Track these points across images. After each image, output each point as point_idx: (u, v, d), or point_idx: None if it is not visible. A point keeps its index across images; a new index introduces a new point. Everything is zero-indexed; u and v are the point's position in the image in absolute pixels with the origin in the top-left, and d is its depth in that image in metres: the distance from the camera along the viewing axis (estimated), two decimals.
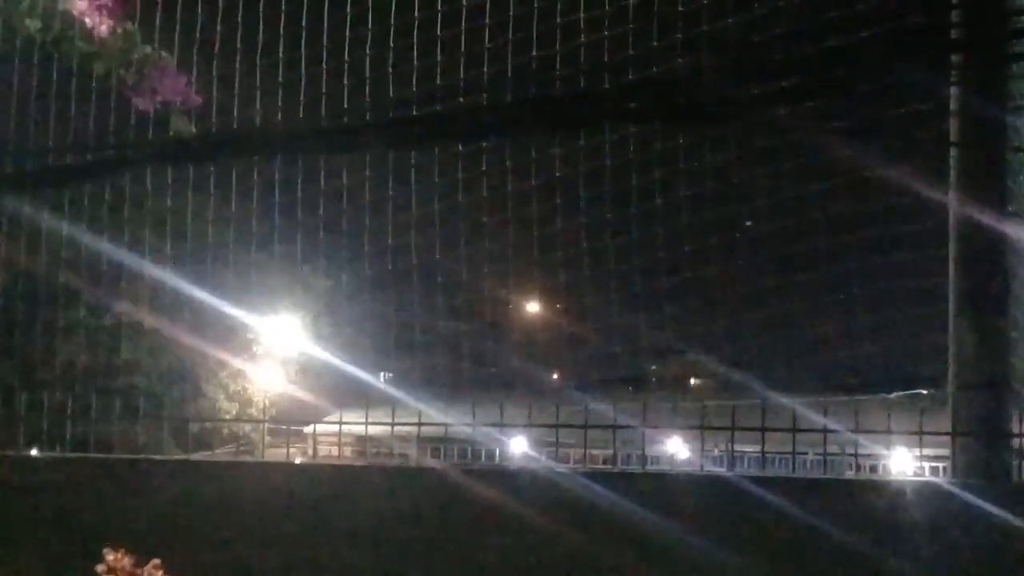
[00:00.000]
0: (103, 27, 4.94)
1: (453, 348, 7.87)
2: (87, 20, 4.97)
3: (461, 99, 6.57)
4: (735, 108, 5.13)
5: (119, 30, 5.01)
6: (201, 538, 6.15)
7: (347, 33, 6.81)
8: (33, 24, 5.17)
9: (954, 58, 5.29)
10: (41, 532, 6.36)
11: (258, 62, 6.88)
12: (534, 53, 6.54)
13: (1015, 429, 5.56)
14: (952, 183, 5.62)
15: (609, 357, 7.81)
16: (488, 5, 6.66)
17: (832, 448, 6.03)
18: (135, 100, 5.16)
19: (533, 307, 9.87)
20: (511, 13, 6.63)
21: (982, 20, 5.13)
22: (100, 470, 6.50)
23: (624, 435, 6.26)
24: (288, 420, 9.22)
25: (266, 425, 7.89)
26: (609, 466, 6.69)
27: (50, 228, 7.27)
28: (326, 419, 8.54)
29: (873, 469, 9.40)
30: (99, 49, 5.07)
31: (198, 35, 6.83)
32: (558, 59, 6.50)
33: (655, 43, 6.34)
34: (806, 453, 6.14)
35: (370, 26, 6.80)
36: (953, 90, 5.51)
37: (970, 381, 5.59)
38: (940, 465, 6.92)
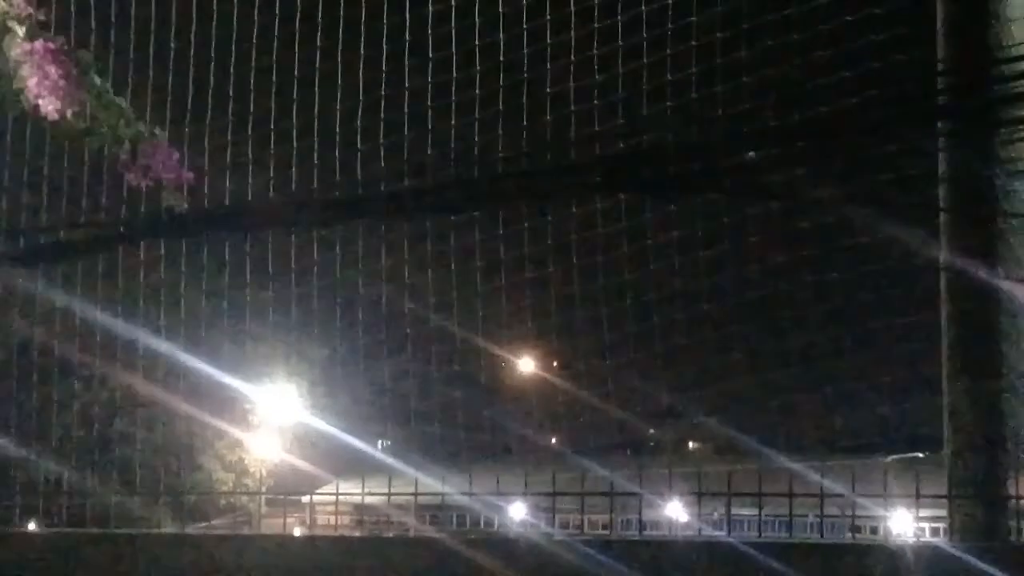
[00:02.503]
0: (50, 107, 4.96)
1: (450, 415, 7.87)
2: (35, 98, 4.98)
3: (453, 170, 6.62)
4: (725, 176, 5.17)
5: (69, 114, 5.01)
6: None
7: (338, 107, 6.87)
8: (27, 102, 5.19)
9: (942, 124, 5.33)
10: None
11: (251, 135, 6.94)
12: (524, 124, 6.61)
13: (1012, 491, 5.56)
14: (943, 247, 5.65)
15: (607, 422, 7.81)
16: (477, 78, 6.73)
17: (833, 510, 6.02)
18: (127, 177, 5.19)
19: (530, 374, 9.88)
20: (500, 85, 6.70)
21: (969, 87, 5.18)
22: (96, 545, 6.48)
23: (622, 500, 6.26)
24: (285, 490, 9.23)
25: (263, 496, 7.89)
26: (607, 532, 6.68)
27: (45, 302, 7.29)
28: (323, 489, 8.55)
29: (874, 531, 9.38)
30: (92, 126, 5.10)
31: (189, 110, 6.89)
32: (548, 130, 6.56)
33: (644, 112, 6.40)
34: (806, 516, 6.13)
35: (361, 100, 6.86)
36: (941, 156, 5.55)
37: (966, 443, 5.60)
38: (940, 526, 6.90)
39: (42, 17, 5.12)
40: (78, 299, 7.24)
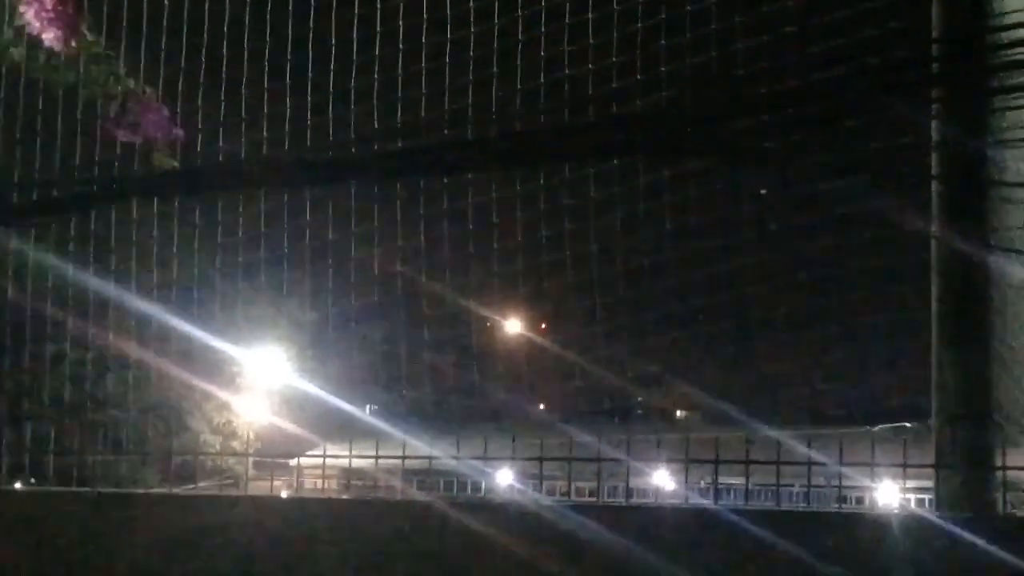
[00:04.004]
0: (51, 34, 4.96)
1: (439, 380, 7.87)
2: (37, 32, 4.99)
3: (446, 131, 6.60)
4: (718, 142, 5.16)
5: (73, 42, 5.02)
6: (185, 573, 6.13)
7: (331, 65, 6.84)
8: (19, 53, 5.18)
9: (935, 92, 5.31)
10: (23, 567, 6.34)
11: (242, 93, 6.91)
12: (518, 86, 6.59)
13: (998, 462, 5.57)
14: (934, 217, 5.65)
15: (595, 388, 7.81)
16: (472, 39, 6.70)
17: (819, 480, 6.04)
18: (117, 133, 5.17)
19: (519, 339, 9.87)
20: (495, 46, 6.67)
21: (963, 55, 5.17)
22: (83, 504, 6.48)
23: (610, 467, 6.27)
24: (273, 453, 9.21)
25: (250, 458, 7.89)
26: (594, 498, 6.69)
27: (34, 261, 7.27)
28: (311, 452, 8.55)
29: (860, 501, 9.40)
30: (82, 81, 5.10)
31: (182, 66, 6.85)
32: (542, 93, 6.54)
33: (639, 77, 6.38)
34: (792, 485, 6.15)
35: (355, 58, 6.83)
36: (934, 124, 5.54)
37: (953, 414, 5.60)
38: (926, 497, 6.92)
39: None
40: (67, 258, 7.21)
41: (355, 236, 7.02)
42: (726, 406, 7.88)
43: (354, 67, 6.81)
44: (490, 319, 8.31)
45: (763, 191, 6.54)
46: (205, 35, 6.92)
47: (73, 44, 4.95)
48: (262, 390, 16.76)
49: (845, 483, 6.07)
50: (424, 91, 6.73)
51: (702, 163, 6.27)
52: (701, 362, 7.64)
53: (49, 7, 4.86)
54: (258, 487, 7.71)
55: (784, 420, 7.26)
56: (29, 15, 4.89)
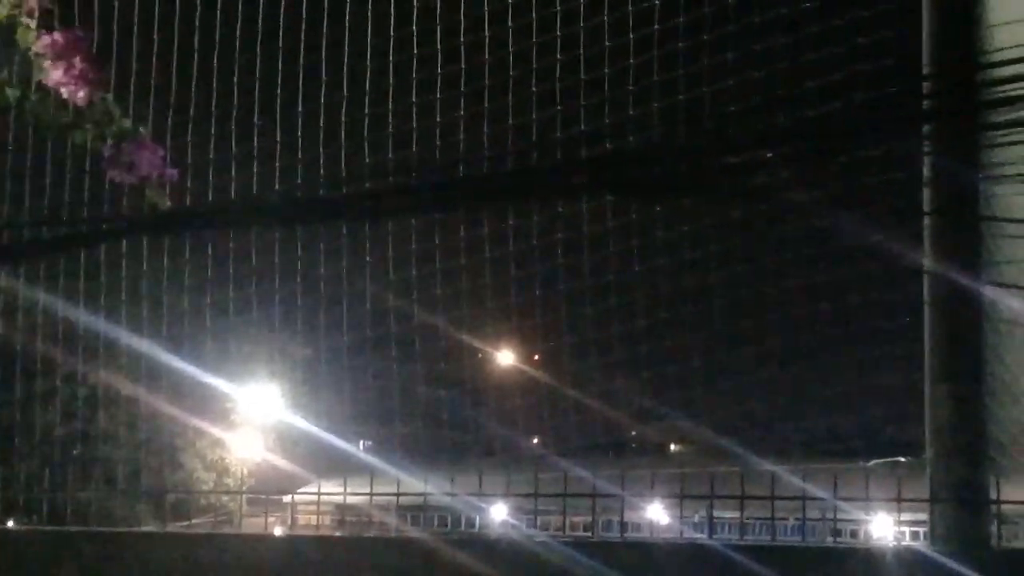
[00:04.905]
0: (80, 94, 4.99)
1: (432, 415, 7.87)
2: (63, 91, 5.01)
3: (437, 169, 6.62)
4: (710, 178, 5.17)
5: (97, 97, 5.06)
6: None
7: (322, 104, 6.86)
8: (13, 93, 5.19)
9: (926, 128, 5.33)
10: None
11: (232, 132, 6.92)
12: (510, 123, 6.61)
13: (992, 495, 5.57)
14: (926, 252, 5.66)
15: (590, 423, 7.82)
16: (464, 76, 6.72)
17: (814, 514, 6.03)
18: (110, 174, 5.18)
19: (513, 374, 9.86)
20: (487, 84, 6.69)
21: (954, 91, 5.19)
22: (76, 543, 6.45)
23: (604, 501, 6.26)
24: (267, 489, 9.20)
25: (244, 496, 7.88)
26: (589, 533, 6.68)
27: (26, 299, 7.27)
28: (304, 488, 8.53)
29: (855, 535, 9.41)
30: (77, 121, 5.11)
31: (172, 105, 6.87)
32: (534, 130, 6.56)
33: (630, 113, 6.40)
34: (787, 519, 6.14)
35: (345, 97, 6.85)
36: (926, 160, 5.55)
37: (947, 448, 5.60)
38: (921, 530, 6.92)
39: (49, 5, 5.15)
40: (60, 296, 7.21)
41: (348, 273, 7.03)
42: (721, 440, 7.89)
43: (345, 105, 6.83)
44: (484, 354, 8.32)
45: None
46: (198, 75, 6.94)
47: (96, 101, 5.01)
48: (256, 426, 16.74)
49: (840, 517, 6.06)
50: (416, 129, 6.75)
51: (694, 199, 6.28)
52: (696, 396, 7.64)
53: (77, 68, 4.91)
54: (252, 524, 7.68)
55: (779, 454, 7.27)
56: (56, 75, 4.92)
